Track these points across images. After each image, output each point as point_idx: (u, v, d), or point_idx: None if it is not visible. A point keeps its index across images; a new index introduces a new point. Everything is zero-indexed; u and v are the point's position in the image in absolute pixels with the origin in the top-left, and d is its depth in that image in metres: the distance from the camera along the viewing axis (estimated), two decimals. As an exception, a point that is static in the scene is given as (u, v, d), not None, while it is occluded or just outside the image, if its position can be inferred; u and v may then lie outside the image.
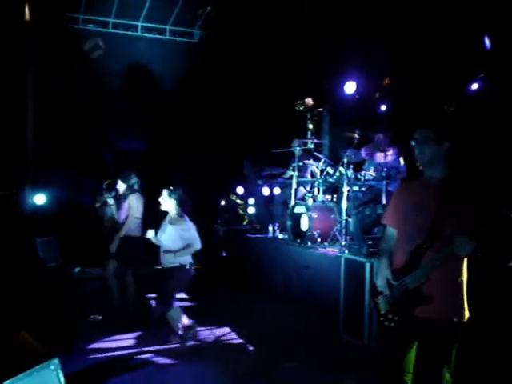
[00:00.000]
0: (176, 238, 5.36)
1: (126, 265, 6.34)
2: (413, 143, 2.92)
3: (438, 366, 2.76)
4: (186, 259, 5.40)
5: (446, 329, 2.77)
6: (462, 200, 2.75)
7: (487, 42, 7.16)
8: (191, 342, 5.57)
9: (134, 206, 6.33)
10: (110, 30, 11.43)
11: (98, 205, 6.77)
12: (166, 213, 5.60)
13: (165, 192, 5.45)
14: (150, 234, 5.37)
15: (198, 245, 5.44)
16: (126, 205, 6.36)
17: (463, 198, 2.76)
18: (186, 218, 5.47)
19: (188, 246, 5.33)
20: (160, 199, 5.48)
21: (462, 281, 2.85)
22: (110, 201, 6.44)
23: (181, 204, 5.44)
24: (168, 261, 5.34)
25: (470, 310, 2.87)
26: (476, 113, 7.28)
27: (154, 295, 5.62)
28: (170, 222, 5.44)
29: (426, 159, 2.87)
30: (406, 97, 8.50)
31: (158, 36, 11.80)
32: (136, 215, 6.35)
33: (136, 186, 6.48)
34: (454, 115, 7.60)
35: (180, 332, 5.49)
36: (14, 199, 8.96)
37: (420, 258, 2.78)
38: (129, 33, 11.59)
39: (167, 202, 5.44)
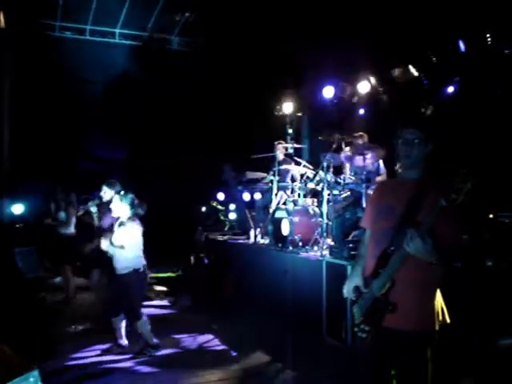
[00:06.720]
0: (124, 239, 5.31)
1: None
2: (398, 142, 2.75)
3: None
4: (138, 262, 5.40)
5: (415, 340, 2.60)
6: (431, 202, 2.48)
7: (461, 45, 7.26)
8: (166, 351, 5.56)
9: None
10: (87, 37, 11.36)
11: (80, 213, 6.82)
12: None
13: (116, 197, 5.45)
14: (104, 244, 5.36)
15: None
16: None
17: (433, 200, 2.45)
18: (137, 221, 5.46)
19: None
20: (112, 205, 5.46)
21: (432, 287, 2.67)
22: (93, 209, 6.45)
23: (133, 208, 5.43)
24: (121, 266, 5.33)
25: (446, 316, 2.71)
26: (452, 116, 7.38)
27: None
28: (119, 225, 5.41)
29: (411, 161, 2.73)
30: (383, 101, 8.59)
31: (135, 43, 11.76)
32: None
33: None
34: (435, 118, 7.67)
35: (140, 346, 5.50)
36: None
37: (386, 263, 2.59)
38: (106, 40, 11.53)
39: (119, 207, 5.41)
